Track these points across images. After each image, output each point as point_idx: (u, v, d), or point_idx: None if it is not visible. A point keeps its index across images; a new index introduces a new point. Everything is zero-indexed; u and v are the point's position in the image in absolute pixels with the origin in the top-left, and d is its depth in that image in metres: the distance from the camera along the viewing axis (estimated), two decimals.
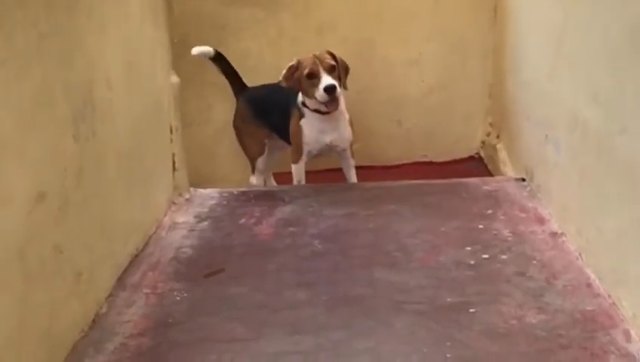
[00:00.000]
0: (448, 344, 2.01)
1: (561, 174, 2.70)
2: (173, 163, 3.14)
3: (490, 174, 3.82)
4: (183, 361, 2.01)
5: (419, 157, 4.13)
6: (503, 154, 3.71)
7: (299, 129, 3.43)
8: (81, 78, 2.14)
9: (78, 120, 2.09)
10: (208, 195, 3.28)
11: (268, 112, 3.63)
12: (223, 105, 3.90)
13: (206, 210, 3.11)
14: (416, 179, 3.49)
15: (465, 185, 3.25)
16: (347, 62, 3.41)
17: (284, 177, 3.80)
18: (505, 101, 3.67)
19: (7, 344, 1.69)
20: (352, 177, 3.59)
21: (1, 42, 1.66)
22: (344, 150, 3.50)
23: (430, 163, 4.12)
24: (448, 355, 1.97)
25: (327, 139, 3.42)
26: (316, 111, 3.36)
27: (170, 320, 2.22)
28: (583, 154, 2.45)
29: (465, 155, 4.14)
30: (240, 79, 3.76)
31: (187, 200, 3.21)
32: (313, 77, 3.26)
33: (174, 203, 3.13)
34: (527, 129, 3.23)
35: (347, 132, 3.46)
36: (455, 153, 4.13)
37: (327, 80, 3.21)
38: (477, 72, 3.99)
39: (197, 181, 3.42)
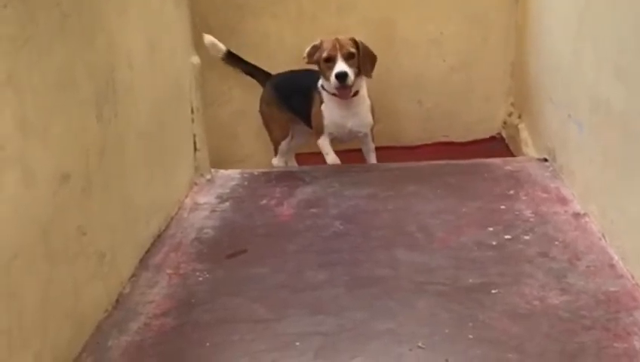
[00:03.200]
0: (470, 325, 2.01)
1: (584, 154, 2.67)
2: (195, 143, 3.14)
3: (512, 154, 3.80)
4: (205, 341, 2.02)
5: (440, 138, 4.11)
6: (524, 134, 3.68)
7: (319, 112, 3.43)
8: (103, 59, 2.14)
9: (101, 101, 2.10)
10: (229, 176, 3.29)
11: (291, 97, 3.62)
12: (243, 86, 3.89)
13: (227, 190, 3.12)
14: (437, 159, 3.48)
15: (486, 165, 3.24)
16: (370, 46, 3.38)
17: (306, 158, 3.80)
18: (527, 80, 3.64)
19: (33, 323, 1.71)
20: (372, 161, 3.59)
21: (24, 20, 1.67)
22: (365, 135, 3.50)
23: (451, 143, 4.10)
24: (470, 336, 1.96)
25: (348, 124, 3.41)
26: (333, 94, 3.35)
27: (193, 301, 2.23)
28: (607, 134, 2.43)
29: (486, 135, 4.11)
30: (261, 70, 3.74)
31: (208, 180, 3.22)
32: (330, 61, 3.25)
33: (196, 183, 3.14)
34: (549, 109, 3.20)
35: (368, 118, 3.45)
36: (476, 133, 4.10)
37: (340, 66, 3.21)
38: (499, 52, 3.95)
39: (217, 162, 3.43)
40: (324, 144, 3.48)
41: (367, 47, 3.35)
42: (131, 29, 2.39)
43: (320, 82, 3.41)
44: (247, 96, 3.85)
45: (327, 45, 3.27)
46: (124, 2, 2.34)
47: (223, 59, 3.71)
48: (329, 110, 3.41)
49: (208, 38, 3.66)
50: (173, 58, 2.91)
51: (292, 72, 3.66)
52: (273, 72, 3.71)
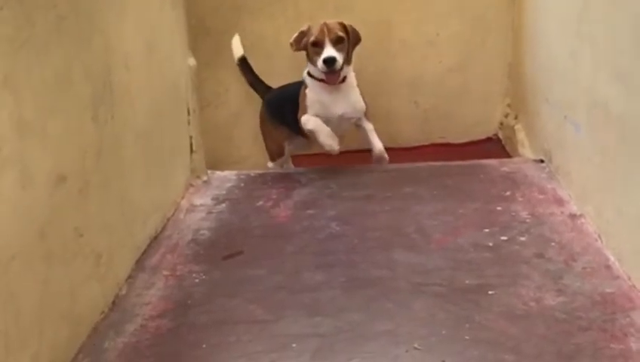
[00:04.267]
0: (467, 326, 2.01)
1: (581, 155, 2.67)
2: (191, 145, 3.14)
3: (509, 156, 3.80)
4: (202, 343, 2.01)
5: (436, 139, 4.11)
6: (521, 136, 3.68)
7: (303, 95, 3.33)
8: (100, 60, 2.14)
9: (98, 102, 2.10)
10: (226, 177, 3.29)
11: (283, 109, 3.50)
12: (239, 88, 3.88)
13: (224, 192, 3.12)
14: (433, 160, 3.48)
15: (483, 166, 3.24)
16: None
17: (302, 159, 3.80)
18: (523, 81, 3.64)
19: (30, 324, 1.71)
20: (376, 142, 3.38)
21: (21, 23, 1.67)
22: (359, 119, 3.38)
23: (448, 144, 4.10)
24: (467, 337, 1.96)
25: (339, 110, 3.29)
26: (321, 80, 3.26)
27: (190, 302, 2.23)
28: (604, 135, 2.43)
29: (483, 137, 4.11)
30: (263, 83, 3.69)
31: (205, 182, 3.22)
32: (317, 46, 3.19)
33: (192, 185, 3.14)
34: (545, 110, 3.20)
35: (359, 102, 3.35)
36: (473, 134, 4.10)
37: (329, 51, 3.14)
38: (495, 53, 3.95)
39: (214, 163, 3.43)
40: (310, 120, 3.27)
41: (355, 30, 3.29)
42: (128, 31, 2.39)
43: (306, 70, 3.34)
44: (244, 98, 3.85)
45: (314, 30, 3.20)
46: (121, 4, 2.34)
47: (237, 64, 3.68)
48: (313, 93, 3.29)
49: (236, 38, 3.64)
50: (170, 60, 2.91)
51: (283, 86, 3.60)
52: (274, 78, 3.70)
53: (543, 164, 3.17)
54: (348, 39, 3.22)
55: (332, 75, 3.18)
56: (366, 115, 3.40)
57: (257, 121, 3.70)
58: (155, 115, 2.64)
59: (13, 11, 1.64)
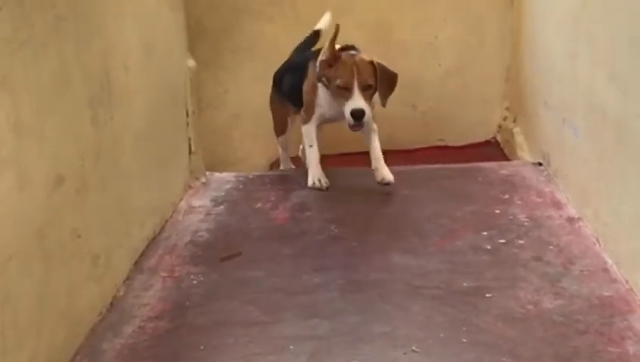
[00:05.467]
0: (464, 329, 2.01)
1: (579, 158, 2.68)
2: (190, 146, 3.14)
3: (507, 158, 3.80)
4: (200, 344, 2.01)
5: (435, 142, 4.11)
6: (519, 139, 3.69)
7: (313, 88, 3.08)
8: (98, 62, 2.14)
9: (96, 103, 2.10)
10: (224, 179, 3.29)
11: (284, 81, 3.33)
12: (238, 90, 3.89)
13: (222, 193, 3.11)
14: (432, 163, 3.48)
15: (481, 169, 3.24)
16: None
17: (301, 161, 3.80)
18: (522, 84, 3.64)
19: (28, 325, 1.71)
20: (375, 146, 3.12)
21: (19, 24, 1.67)
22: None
23: (446, 147, 4.10)
24: (464, 340, 1.96)
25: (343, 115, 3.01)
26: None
27: (188, 304, 2.23)
28: (602, 138, 2.43)
29: (481, 139, 4.11)
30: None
31: (203, 183, 3.22)
32: (345, 89, 2.90)
33: (190, 186, 3.14)
34: (544, 113, 3.20)
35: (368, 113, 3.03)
36: (471, 137, 4.10)
37: (357, 102, 2.88)
38: (494, 56, 3.96)
39: (212, 165, 3.42)
40: (309, 133, 3.15)
41: (385, 69, 2.99)
42: (127, 32, 2.39)
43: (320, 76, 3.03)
44: (243, 99, 3.85)
45: (343, 70, 2.91)
46: (120, 5, 2.33)
47: (310, 33, 3.46)
48: (325, 101, 3.07)
49: (328, 14, 3.45)
50: (169, 61, 2.91)
51: (287, 59, 3.43)
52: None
53: (542, 167, 3.17)
54: (376, 83, 2.94)
55: (357, 127, 2.93)
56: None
57: (256, 122, 3.70)
58: (153, 117, 2.64)
59: (12, 12, 1.64)
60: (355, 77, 2.89)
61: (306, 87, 3.14)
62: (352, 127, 2.93)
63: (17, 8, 1.66)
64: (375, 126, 3.16)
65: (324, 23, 3.44)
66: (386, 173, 3.03)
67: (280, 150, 3.58)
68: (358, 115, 2.87)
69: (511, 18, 3.83)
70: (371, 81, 2.93)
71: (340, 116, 3.01)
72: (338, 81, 2.91)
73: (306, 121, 3.16)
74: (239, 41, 3.81)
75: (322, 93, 3.06)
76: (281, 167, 3.63)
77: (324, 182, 3.10)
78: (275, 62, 3.71)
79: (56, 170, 1.85)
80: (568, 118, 2.80)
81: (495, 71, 3.98)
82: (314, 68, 3.05)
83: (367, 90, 2.91)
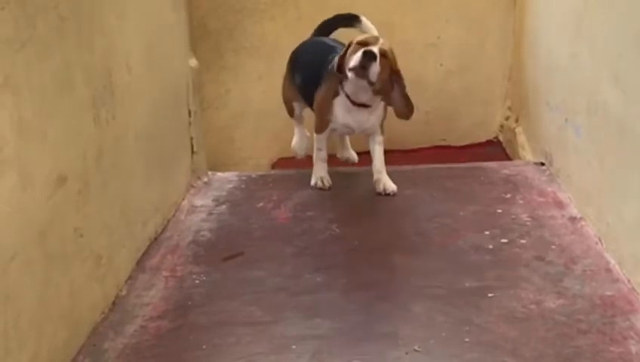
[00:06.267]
0: (467, 328, 2.01)
1: (581, 158, 2.68)
2: (192, 146, 3.14)
3: (509, 158, 3.80)
4: (202, 344, 2.01)
5: (437, 141, 4.11)
6: (521, 139, 3.68)
7: (329, 103, 3.01)
8: (100, 61, 2.14)
9: (98, 103, 2.10)
10: (226, 179, 3.29)
11: (297, 71, 3.21)
12: (240, 89, 3.88)
13: (224, 193, 3.11)
14: (434, 163, 3.48)
15: (483, 169, 3.24)
16: None
17: (303, 161, 3.80)
18: (524, 84, 3.64)
19: (30, 325, 1.71)
20: (379, 158, 3.07)
21: (22, 24, 1.67)
22: (373, 131, 3.09)
23: (448, 147, 4.09)
24: (467, 339, 1.96)
25: (358, 128, 3.05)
26: (349, 99, 2.95)
27: (190, 303, 2.23)
28: (604, 138, 2.43)
29: (483, 139, 4.10)
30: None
31: (205, 183, 3.22)
32: (362, 45, 2.81)
33: (193, 186, 3.14)
34: (546, 113, 3.20)
35: (379, 119, 3.07)
36: (474, 137, 4.10)
37: (372, 48, 2.78)
38: (496, 55, 3.95)
39: (214, 164, 3.42)
40: (320, 141, 3.10)
41: (396, 66, 2.94)
42: (129, 32, 2.39)
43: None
44: (245, 99, 3.85)
45: (363, 38, 2.89)
46: (123, 5, 2.34)
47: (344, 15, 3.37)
48: (342, 105, 2.98)
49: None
50: (171, 61, 2.91)
51: (312, 40, 3.32)
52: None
53: (544, 167, 3.17)
54: (387, 60, 2.86)
55: (363, 70, 2.77)
56: (381, 124, 3.11)
57: (258, 122, 3.70)
58: (156, 116, 2.64)
59: (14, 12, 1.64)
60: (376, 41, 2.87)
61: (320, 98, 3.04)
62: (356, 71, 2.79)
63: (20, 8, 1.66)
64: (382, 138, 3.10)
65: (367, 22, 3.38)
66: (388, 184, 3.01)
67: (295, 124, 3.40)
68: (370, 53, 2.76)
69: (513, 18, 3.83)
70: (390, 56, 2.87)
71: (354, 127, 3.02)
72: (360, 38, 2.88)
73: (317, 132, 3.11)
74: (241, 41, 3.81)
75: (338, 108, 2.99)
76: (294, 142, 3.40)
77: (327, 181, 3.10)
78: (277, 62, 3.71)
79: (58, 170, 1.85)
80: (570, 118, 2.80)
81: (497, 71, 3.98)
82: (334, 79, 2.96)
83: (383, 57, 2.82)
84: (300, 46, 3.29)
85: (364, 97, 2.93)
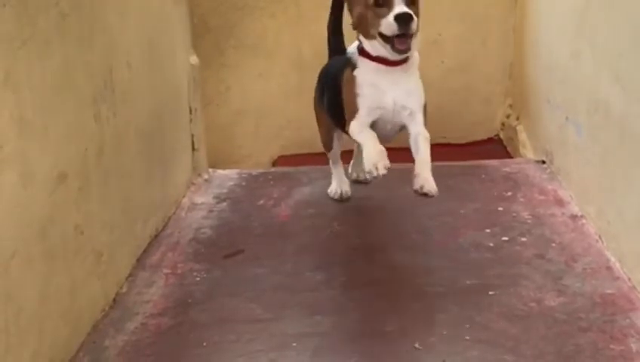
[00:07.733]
0: (467, 326, 2.01)
1: (582, 156, 2.68)
2: (192, 143, 3.14)
3: (510, 156, 3.80)
4: (202, 341, 2.02)
5: (438, 139, 4.07)
6: (522, 136, 3.68)
7: (351, 81, 2.44)
8: (101, 58, 2.14)
9: (99, 100, 2.10)
10: (227, 176, 3.29)
11: (323, 92, 2.72)
12: (241, 87, 3.89)
13: (225, 190, 3.11)
14: (435, 160, 3.46)
15: (484, 167, 3.24)
16: None
17: (304, 159, 3.80)
18: (525, 82, 3.64)
19: (30, 322, 1.71)
20: (424, 151, 2.51)
21: (23, 21, 1.67)
22: (412, 114, 2.50)
23: (449, 145, 4.09)
24: (467, 337, 1.97)
25: (390, 98, 2.43)
26: (379, 60, 2.39)
27: (190, 301, 2.23)
28: (605, 137, 2.43)
29: (484, 137, 4.11)
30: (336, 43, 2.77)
31: (206, 180, 3.22)
32: (382, 5, 2.27)
33: (193, 183, 3.14)
34: (547, 111, 3.20)
35: (418, 89, 2.51)
36: (474, 135, 4.10)
37: (401, 8, 2.23)
38: (497, 53, 3.95)
39: (215, 162, 3.42)
40: (355, 126, 2.43)
41: None
42: (130, 29, 2.39)
43: (354, 46, 2.48)
44: (246, 96, 3.85)
45: None
46: (124, 3, 2.34)
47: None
48: (366, 74, 2.42)
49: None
50: (172, 58, 2.91)
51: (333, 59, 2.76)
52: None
53: (544, 165, 3.17)
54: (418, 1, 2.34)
55: (404, 38, 2.27)
56: (424, 110, 2.58)
57: (259, 119, 3.69)
58: (156, 113, 2.64)
59: (15, 9, 1.64)
60: None
61: (344, 86, 2.50)
62: (398, 42, 2.29)
63: (21, 5, 1.66)
64: (426, 131, 2.56)
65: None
66: (429, 182, 2.38)
67: (330, 164, 2.94)
68: (402, 16, 2.21)
69: (514, 16, 3.83)
70: None
71: (390, 114, 2.47)
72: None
73: (351, 118, 2.45)
74: (242, 39, 3.81)
75: (361, 78, 2.43)
76: (331, 190, 2.94)
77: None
78: (277, 60, 3.71)
79: (59, 167, 1.85)
80: (571, 117, 2.80)
81: (498, 69, 3.98)
82: (350, 64, 2.47)
83: (411, 5, 2.27)
84: (324, 67, 2.81)
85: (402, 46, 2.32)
